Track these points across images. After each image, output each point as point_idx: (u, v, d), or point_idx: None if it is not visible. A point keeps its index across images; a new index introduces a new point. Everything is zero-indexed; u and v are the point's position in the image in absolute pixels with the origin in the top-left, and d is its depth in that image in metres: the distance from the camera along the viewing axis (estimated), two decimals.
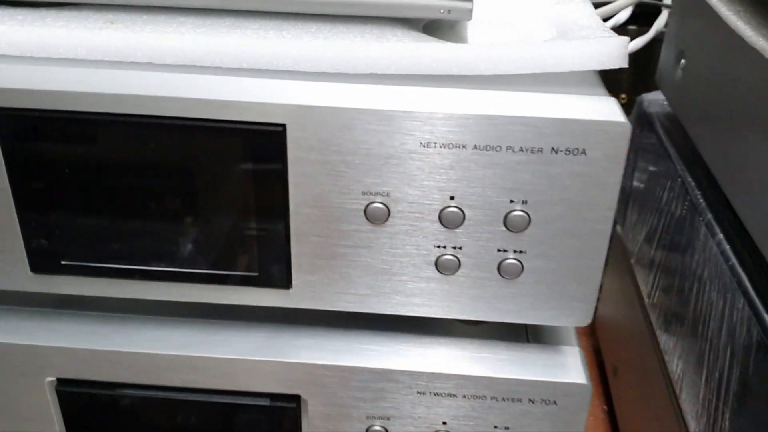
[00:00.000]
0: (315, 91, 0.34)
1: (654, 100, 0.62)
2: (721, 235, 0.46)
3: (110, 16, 0.38)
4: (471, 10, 0.37)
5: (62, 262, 0.38)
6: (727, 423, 0.42)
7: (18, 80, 0.34)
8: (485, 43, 0.38)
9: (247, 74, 0.35)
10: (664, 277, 0.56)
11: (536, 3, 0.43)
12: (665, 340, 0.54)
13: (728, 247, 0.45)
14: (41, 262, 0.38)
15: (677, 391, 0.50)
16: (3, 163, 0.35)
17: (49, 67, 0.35)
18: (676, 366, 0.51)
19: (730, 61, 0.45)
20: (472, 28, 0.40)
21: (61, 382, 0.41)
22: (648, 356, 0.57)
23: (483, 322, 0.41)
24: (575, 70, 0.35)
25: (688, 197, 0.51)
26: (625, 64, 0.35)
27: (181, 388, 0.40)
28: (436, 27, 0.40)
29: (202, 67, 0.36)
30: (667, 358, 0.53)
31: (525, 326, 0.42)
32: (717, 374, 0.43)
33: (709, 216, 0.48)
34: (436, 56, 0.35)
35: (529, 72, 0.35)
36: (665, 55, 0.58)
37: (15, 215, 0.37)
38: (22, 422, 0.43)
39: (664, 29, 0.64)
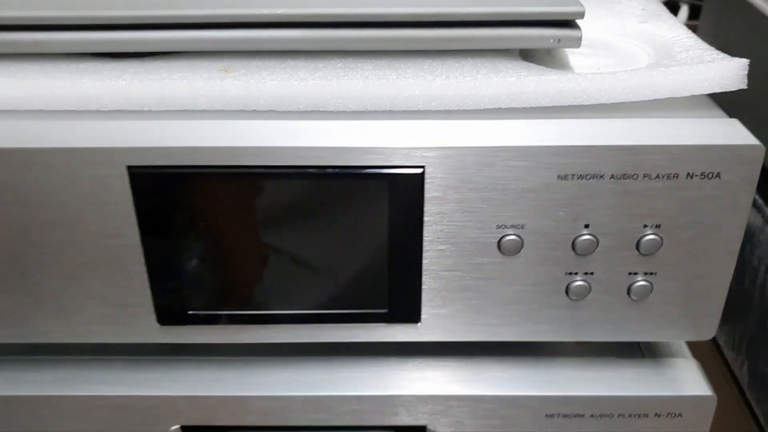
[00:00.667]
0: (454, 131, 0.34)
1: None
2: None
3: (222, 63, 0.38)
4: (580, 39, 0.38)
5: (189, 313, 0.38)
6: None
7: (147, 137, 0.34)
8: (590, 68, 0.39)
9: (369, 117, 0.35)
10: None
11: (622, 22, 0.44)
12: None
13: None
14: (168, 314, 0.38)
15: None
16: (135, 220, 0.35)
17: (175, 121, 0.35)
18: None
19: None
20: (570, 53, 0.41)
21: (185, 429, 0.41)
22: None
23: None
24: (697, 93, 0.36)
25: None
26: (744, 86, 0.36)
27: (310, 426, 0.41)
28: (533, 54, 0.41)
29: (323, 112, 0.36)
30: None
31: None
32: None
33: None
34: (561, 88, 0.35)
35: (653, 98, 0.36)
36: None
37: (144, 270, 0.37)
38: None
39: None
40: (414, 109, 0.36)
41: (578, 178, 0.34)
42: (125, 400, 0.40)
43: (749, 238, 0.55)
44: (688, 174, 0.34)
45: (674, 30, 0.42)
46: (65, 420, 0.41)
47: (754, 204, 0.54)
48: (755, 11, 0.54)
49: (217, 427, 0.41)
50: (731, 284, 0.38)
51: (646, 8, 0.46)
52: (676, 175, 0.34)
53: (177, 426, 0.41)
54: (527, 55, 0.40)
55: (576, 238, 0.36)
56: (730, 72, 0.36)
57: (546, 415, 0.40)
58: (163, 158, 0.34)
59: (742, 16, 0.56)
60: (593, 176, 0.34)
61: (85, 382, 0.41)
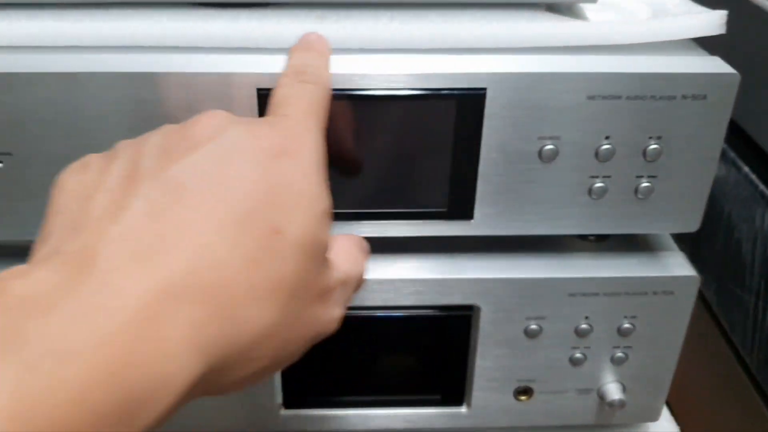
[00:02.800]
0: (507, 62, 0.44)
1: None
2: None
3: (316, 12, 0.48)
4: None
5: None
6: None
7: (271, 66, 0.44)
8: (604, 20, 0.50)
9: (440, 52, 0.45)
10: None
11: None
12: None
13: None
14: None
15: None
16: None
17: (285, 56, 0.44)
18: None
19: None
20: (586, 9, 0.52)
21: None
22: None
23: (608, 238, 0.53)
24: (688, 37, 0.47)
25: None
26: (724, 31, 0.47)
27: (383, 306, 0.51)
28: (557, 8, 0.52)
29: (403, 49, 0.46)
30: None
31: (636, 239, 0.54)
32: None
33: None
34: (587, 31, 0.46)
35: (654, 40, 0.47)
36: None
37: None
38: None
39: None
40: (473, 46, 0.46)
41: (602, 99, 0.45)
42: None
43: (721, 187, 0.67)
44: (682, 96, 0.45)
45: None
46: None
47: (724, 154, 0.66)
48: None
49: None
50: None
51: None
52: (674, 97, 0.45)
53: None
54: (552, 10, 0.51)
55: (599, 147, 0.46)
56: (712, 21, 0.47)
57: (569, 294, 0.51)
58: None
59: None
60: (613, 97, 0.45)
61: None
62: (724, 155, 0.66)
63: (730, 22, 0.48)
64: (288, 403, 0.55)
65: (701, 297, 0.73)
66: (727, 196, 0.66)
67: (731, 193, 0.66)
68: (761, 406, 0.64)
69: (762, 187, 0.61)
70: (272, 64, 0.43)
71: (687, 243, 0.71)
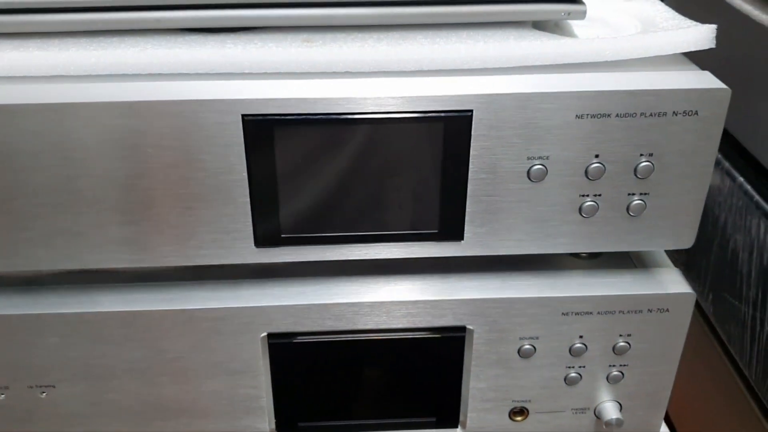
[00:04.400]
0: (495, 82, 0.44)
1: None
2: None
3: (302, 36, 0.48)
4: (585, 12, 0.48)
5: (282, 236, 0.47)
6: None
7: (255, 92, 0.43)
8: (593, 36, 0.49)
9: (426, 74, 0.45)
10: None
11: (611, 1, 0.55)
12: None
13: None
14: (264, 237, 0.47)
15: None
16: (244, 159, 0.44)
17: (272, 81, 0.44)
18: None
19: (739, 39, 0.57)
20: (574, 25, 0.51)
21: (272, 336, 0.50)
22: None
23: (600, 254, 0.52)
24: (678, 52, 0.46)
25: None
26: (713, 45, 0.47)
27: (375, 329, 0.50)
28: (544, 25, 0.51)
29: (389, 71, 0.45)
30: None
31: (629, 255, 0.54)
32: None
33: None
34: (576, 49, 0.46)
35: (644, 56, 0.46)
36: None
37: (248, 200, 0.46)
38: (232, 376, 0.52)
39: None
40: (461, 67, 0.46)
41: (591, 117, 0.45)
42: (224, 312, 0.49)
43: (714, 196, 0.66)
44: (673, 112, 0.45)
45: (654, 6, 0.53)
46: (173, 330, 0.50)
47: (718, 164, 0.66)
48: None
49: (298, 333, 0.50)
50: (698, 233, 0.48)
51: None
52: (665, 113, 0.45)
53: (265, 333, 0.50)
54: (539, 26, 0.50)
55: (588, 165, 0.46)
56: (702, 35, 0.47)
57: (562, 314, 0.50)
58: (269, 107, 0.43)
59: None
60: (603, 115, 0.44)
61: (190, 299, 0.50)
62: (718, 166, 0.66)
63: (720, 31, 0.48)
64: (281, 428, 0.55)
65: (698, 308, 0.73)
66: (722, 207, 0.66)
67: (726, 203, 0.65)
68: (761, 418, 0.63)
69: (757, 197, 0.61)
70: (257, 90, 0.43)
71: (682, 254, 0.71)
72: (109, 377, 0.51)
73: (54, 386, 0.51)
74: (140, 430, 0.54)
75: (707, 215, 0.68)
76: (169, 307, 0.49)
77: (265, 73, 0.45)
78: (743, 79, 0.60)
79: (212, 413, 0.53)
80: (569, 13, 0.48)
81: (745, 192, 0.62)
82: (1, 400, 0.52)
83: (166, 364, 0.51)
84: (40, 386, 0.51)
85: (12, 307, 0.49)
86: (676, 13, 0.51)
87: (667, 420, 0.64)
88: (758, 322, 0.61)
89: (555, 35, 0.48)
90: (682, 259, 0.54)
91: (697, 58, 0.48)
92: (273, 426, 0.54)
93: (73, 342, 0.50)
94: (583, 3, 0.48)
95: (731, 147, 0.66)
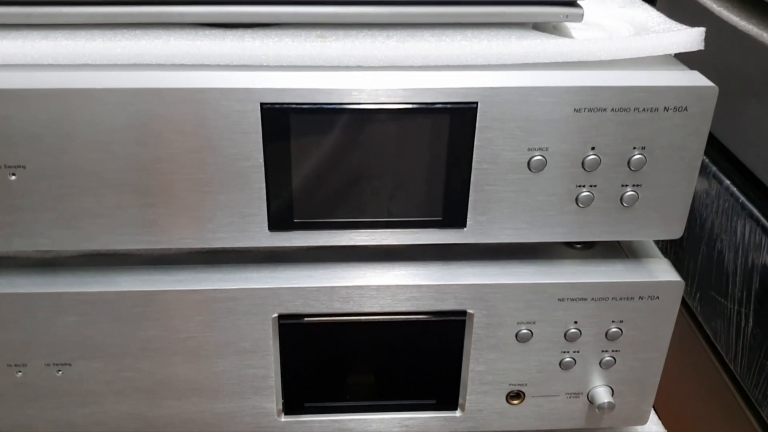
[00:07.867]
0: (498, 77, 0.47)
1: None
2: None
3: (316, 32, 0.50)
4: (582, 15, 0.51)
5: (295, 221, 0.50)
6: None
7: (273, 82, 0.46)
8: (590, 38, 0.52)
9: (433, 69, 0.47)
10: None
11: (606, 8, 0.58)
12: None
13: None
14: (278, 221, 0.50)
15: None
16: (261, 146, 0.47)
17: (290, 72, 0.47)
18: None
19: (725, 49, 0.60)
20: (571, 28, 0.55)
21: (282, 317, 0.53)
22: None
23: (594, 245, 0.55)
24: (669, 52, 0.50)
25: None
26: (702, 47, 0.50)
27: (380, 312, 0.53)
28: (543, 27, 0.54)
29: (398, 66, 0.48)
30: None
31: (621, 246, 0.57)
32: None
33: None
34: (573, 48, 0.49)
35: (638, 56, 0.49)
36: None
37: (264, 185, 0.48)
38: (242, 355, 0.54)
39: None
40: (465, 63, 0.48)
41: (588, 111, 0.47)
42: (237, 293, 0.52)
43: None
44: (665, 108, 0.48)
45: (647, 12, 0.56)
46: (187, 310, 0.52)
47: (706, 169, 0.69)
48: (701, 7, 0.69)
49: (307, 314, 0.53)
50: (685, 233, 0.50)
51: None
52: (657, 109, 0.48)
53: (276, 314, 0.53)
54: (539, 28, 0.53)
55: (585, 157, 0.49)
56: (691, 37, 0.50)
57: (558, 299, 0.53)
58: (286, 97, 0.46)
59: (687, 8, 0.71)
60: (599, 110, 0.47)
61: (205, 280, 0.52)
62: (705, 169, 0.69)
63: (707, 40, 0.51)
64: (288, 409, 0.57)
65: (685, 306, 0.75)
66: (709, 209, 0.69)
67: (713, 205, 0.68)
68: (745, 410, 0.66)
69: (743, 198, 0.64)
70: (275, 80, 0.45)
71: (671, 254, 0.74)
72: (123, 356, 0.53)
73: (70, 364, 0.53)
74: (152, 408, 0.56)
75: (695, 217, 0.71)
76: (184, 287, 0.51)
77: (282, 66, 0.48)
78: (729, 86, 0.63)
79: (221, 392, 0.55)
80: (568, 16, 0.51)
81: (732, 194, 0.65)
82: (18, 377, 0.54)
83: (179, 343, 0.53)
84: (57, 364, 0.53)
85: (32, 286, 0.51)
86: (668, 18, 0.54)
87: (656, 414, 0.66)
88: (743, 317, 0.64)
89: (554, 36, 0.51)
90: (670, 259, 0.56)
91: (686, 64, 0.51)
92: (280, 406, 0.57)
93: (91, 321, 0.52)
94: (580, 6, 0.51)
95: (718, 151, 0.69)
